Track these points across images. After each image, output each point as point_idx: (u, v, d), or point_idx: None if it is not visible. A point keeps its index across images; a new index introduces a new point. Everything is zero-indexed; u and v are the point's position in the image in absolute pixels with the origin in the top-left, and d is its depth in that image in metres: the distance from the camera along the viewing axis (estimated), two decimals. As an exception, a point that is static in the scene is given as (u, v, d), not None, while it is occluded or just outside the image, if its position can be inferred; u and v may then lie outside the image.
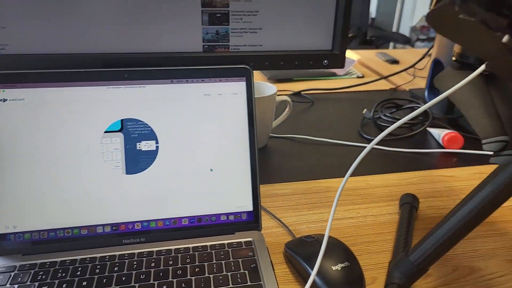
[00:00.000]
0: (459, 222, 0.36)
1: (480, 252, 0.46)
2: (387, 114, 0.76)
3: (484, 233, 0.49)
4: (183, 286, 0.38)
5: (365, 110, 0.82)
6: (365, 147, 0.70)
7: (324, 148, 0.70)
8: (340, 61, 0.52)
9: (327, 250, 0.41)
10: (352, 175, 0.62)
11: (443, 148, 0.70)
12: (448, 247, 0.37)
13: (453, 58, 0.50)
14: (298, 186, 0.59)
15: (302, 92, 0.96)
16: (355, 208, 0.54)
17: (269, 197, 0.56)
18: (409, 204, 0.51)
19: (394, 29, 3.18)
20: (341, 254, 0.41)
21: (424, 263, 0.38)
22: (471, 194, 0.36)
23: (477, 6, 0.23)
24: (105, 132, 0.44)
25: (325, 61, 0.51)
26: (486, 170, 0.64)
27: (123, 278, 0.39)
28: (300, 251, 0.42)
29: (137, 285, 0.38)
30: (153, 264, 0.41)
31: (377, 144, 0.71)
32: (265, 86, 0.69)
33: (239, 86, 0.46)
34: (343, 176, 0.61)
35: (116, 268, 0.40)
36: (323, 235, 0.45)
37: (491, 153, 0.34)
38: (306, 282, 0.37)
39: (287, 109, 0.72)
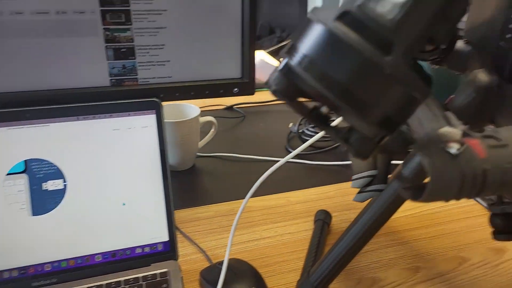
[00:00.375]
0: (350, 241, 0.39)
1: (382, 262, 0.50)
2: (310, 128, 0.80)
3: (386, 243, 0.53)
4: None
5: (291, 124, 0.85)
6: (294, 162, 0.73)
7: (250, 165, 0.73)
8: (250, 88, 0.54)
9: (236, 276, 0.43)
10: (275, 192, 0.64)
11: (362, 158, 0.75)
12: (343, 266, 0.40)
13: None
14: (221, 207, 0.60)
15: (234, 106, 0.98)
16: (274, 227, 0.56)
17: (191, 221, 0.57)
18: (321, 220, 0.55)
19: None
20: (248, 279, 0.43)
21: (323, 283, 0.40)
22: (359, 215, 0.39)
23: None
24: (7, 174, 0.43)
25: (235, 89, 0.53)
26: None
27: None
28: (211, 278, 0.44)
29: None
30: (62, 306, 0.41)
31: (301, 158, 0.74)
32: (188, 108, 0.70)
33: (149, 119, 0.47)
34: (268, 194, 0.64)
35: (23, 315, 0.40)
36: (236, 260, 0.47)
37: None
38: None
39: (212, 130, 0.73)
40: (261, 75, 1.21)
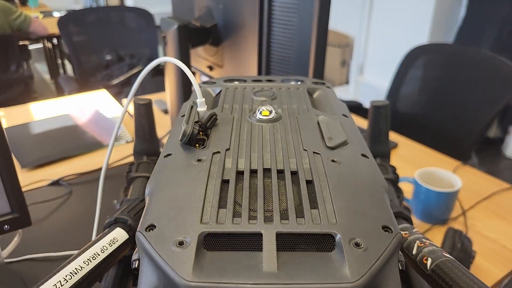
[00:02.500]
0: None
1: None
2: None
3: None
4: None
5: (115, 201, 0.83)
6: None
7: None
8: (25, 221, 0.51)
9: None
10: None
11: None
12: None
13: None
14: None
15: (60, 180, 0.93)
16: None
17: None
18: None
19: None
20: None
21: None
22: None
23: None
24: None
25: (6, 226, 0.50)
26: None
27: None
28: None
29: None
30: None
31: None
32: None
33: None
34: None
35: None
36: None
37: None
38: None
39: (15, 239, 0.68)
40: (94, 130, 1.15)
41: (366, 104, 1.77)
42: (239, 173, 0.25)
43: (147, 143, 0.53)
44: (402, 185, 0.94)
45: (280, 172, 0.25)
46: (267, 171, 0.25)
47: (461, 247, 0.68)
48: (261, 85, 0.38)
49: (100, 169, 0.97)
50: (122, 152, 1.04)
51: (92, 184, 0.92)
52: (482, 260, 0.73)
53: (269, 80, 0.40)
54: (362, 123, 1.29)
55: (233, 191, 0.23)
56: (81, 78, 1.93)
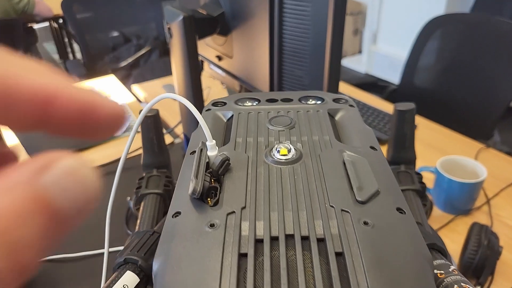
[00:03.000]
0: None
1: None
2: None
3: None
4: None
5: (128, 198, 0.82)
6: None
7: (81, 265, 0.69)
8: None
9: None
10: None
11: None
12: None
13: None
14: None
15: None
16: None
17: None
18: None
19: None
20: None
21: None
22: None
23: None
24: None
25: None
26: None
27: None
28: None
29: None
30: None
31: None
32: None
33: None
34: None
35: None
36: None
37: None
38: None
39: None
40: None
41: (382, 76, 1.70)
42: (258, 242, 0.22)
43: (156, 156, 0.51)
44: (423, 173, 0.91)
45: (305, 238, 0.22)
46: (290, 237, 0.22)
47: (487, 244, 0.65)
48: (277, 107, 0.35)
49: (112, 162, 0.95)
50: (134, 142, 1.03)
51: (104, 178, 0.91)
52: (509, 254, 0.70)
53: (285, 100, 0.36)
54: (377, 102, 1.24)
55: (252, 272, 0.20)
56: (88, 62, 1.90)
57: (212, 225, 0.23)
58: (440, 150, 1.00)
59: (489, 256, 0.64)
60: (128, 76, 1.82)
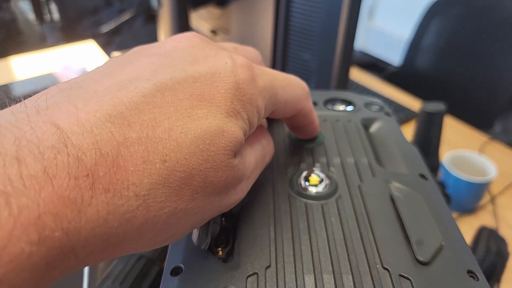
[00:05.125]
0: None
1: None
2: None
3: None
4: None
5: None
6: None
7: None
8: None
9: None
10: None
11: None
12: None
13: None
14: None
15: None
16: None
17: None
18: None
19: None
20: None
21: None
22: None
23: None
24: None
25: None
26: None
27: None
28: None
29: None
30: None
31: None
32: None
33: None
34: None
35: None
36: None
37: None
38: None
39: None
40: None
41: (379, 55, 1.62)
42: None
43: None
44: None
45: None
46: None
47: (496, 251, 0.61)
48: (299, 113, 0.28)
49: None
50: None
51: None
52: (514, 259, 0.67)
53: None
54: (378, 85, 1.17)
55: None
56: (66, 25, 1.75)
57: (226, 293, 0.17)
58: (443, 141, 0.95)
59: (498, 264, 0.61)
60: (109, 43, 1.69)
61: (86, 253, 0.14)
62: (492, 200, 0.78)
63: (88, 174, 0.13)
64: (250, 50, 0.23)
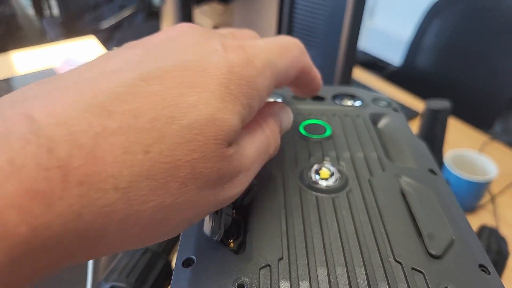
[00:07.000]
0: None
1: None
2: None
3: None
4: None
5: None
6: None
7: None
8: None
9: None
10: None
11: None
12: None
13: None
14: None
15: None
16: None
17: None
18: None
19: None
20: None
21: None
22: None
23: None
24: None
25: None
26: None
27: None
28: None
29: None
30: None
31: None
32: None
33: None
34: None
35: None
36: None
37: None
38: None
39: None
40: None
41: (379, 55, 1.62)
42: None
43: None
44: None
45: None
46: None
47: (496, 250, 0.61)
48: (308, 107, 0.28)
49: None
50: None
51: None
52: (513, 258, 0.67)
53: (316, 98, 0.29)
54: (378, 85, 1.17)
55: None
56: (67, 21, 1.74)
57: (241, 286, 0.17)
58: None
59: (498, 263, 0.61)
60: (110, 39, 1.69)
61: (61, 250, 0.13)
62: (492, 199, 0.78)
63: (60, 166, 0.12)
64: (247, 32, 0.22)
